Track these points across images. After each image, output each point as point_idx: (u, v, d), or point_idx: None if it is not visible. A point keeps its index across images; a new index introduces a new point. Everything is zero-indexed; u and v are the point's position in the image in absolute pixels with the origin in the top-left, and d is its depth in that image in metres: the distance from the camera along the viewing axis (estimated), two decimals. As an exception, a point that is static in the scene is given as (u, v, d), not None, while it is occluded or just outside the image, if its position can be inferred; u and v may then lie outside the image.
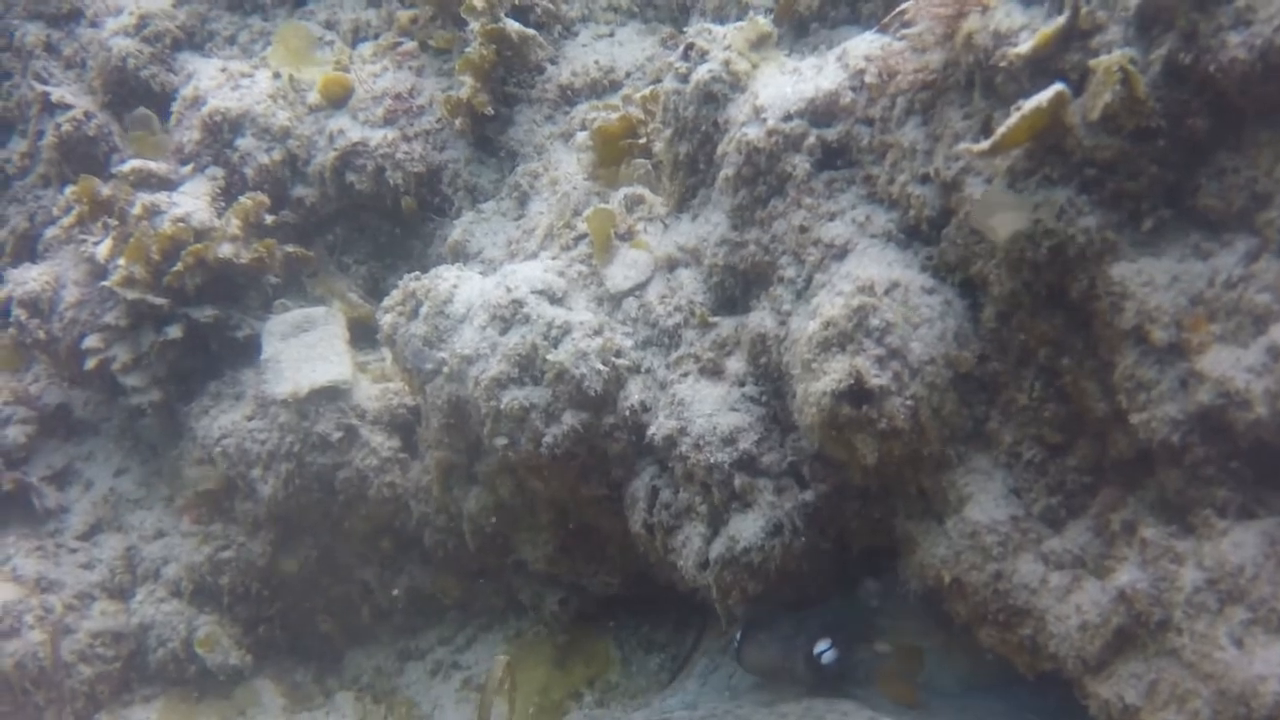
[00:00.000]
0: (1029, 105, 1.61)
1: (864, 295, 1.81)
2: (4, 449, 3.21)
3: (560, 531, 2.55)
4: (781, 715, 2.16)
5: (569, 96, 2.84)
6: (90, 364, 2.95)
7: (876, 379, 1.76)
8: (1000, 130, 1.64)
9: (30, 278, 3.06)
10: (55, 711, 3.00)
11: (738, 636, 2.25)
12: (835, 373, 1.78)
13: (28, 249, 3.43)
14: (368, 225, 3.06)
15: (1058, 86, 1.60)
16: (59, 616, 3.01)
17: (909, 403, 1.77)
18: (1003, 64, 1.70)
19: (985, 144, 1.66)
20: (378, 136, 2.92)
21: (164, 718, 3.08)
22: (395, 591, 3.00)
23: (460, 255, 2.78)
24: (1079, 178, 1.64)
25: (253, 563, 3.00)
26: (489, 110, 2.82)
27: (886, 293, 1.81)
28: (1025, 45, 1.66)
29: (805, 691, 2.18)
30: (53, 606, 3.02)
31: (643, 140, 2.48)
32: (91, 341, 2.96)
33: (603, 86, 2.78)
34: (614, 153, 2.48)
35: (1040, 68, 1.66)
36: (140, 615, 3.09)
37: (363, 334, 2.94)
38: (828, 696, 2.15)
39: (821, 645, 2.15)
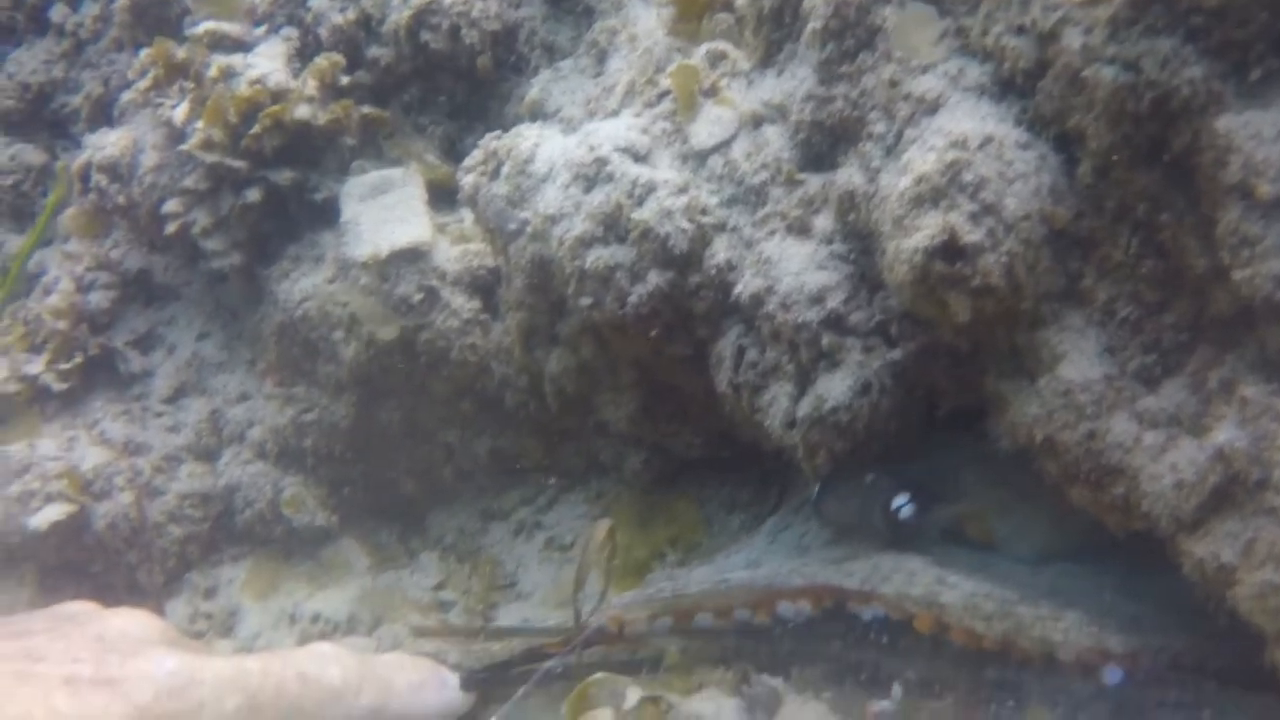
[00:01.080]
0: (1134, -51, 1.56)
1: (957, 150, 1.76)
2: (88, 314, 3.24)
3: (643, 392, 2.54)
4: (848, 573, 2.16)
5: (647, -51, 2.77)
6: (170, 228, 2.95)
7: (970, 235, 1.72)
8: (1104, -24, 1.59)
9: (109, 143, 3.06)
10: (146, 571, 3.06)
11: (816, 489, 2.25)
12: (928, 229, 1.74)
13: (103, 114, 3.43)
14: (443, 85, 3.02)
15: (1165, -71, 1.55)
16: (148, 478, 3.07)
17: (1003, 259, 1.74)
18: (1108, -94, 1.64)
19: (1087, -10, 1.61)
20: (452, -6, 2.88)
21: (253, 576, 3.13)
22: (477, 452, 3.02)
23: (537, 114, 2.75)
24: (1184, 26, 1.57)
25: (336, 425, 3.02)
26: (565, -37, 2.78)
27: (980, 147, 1.77)
28: (1131, -114, 1.60)
29: (878, 548, 2.18)
30: (141, 469, 3.07)
31: (724, -6, 2.43)
32: (171, 206, 2.96)
33: (682, -62, 2.70)
34: (695, 7, 2.42)
35: (1148, -91, 1.61)
36: (227, 477, 3.13)
37: (441, 195, 2.92)
38: (899, 553, 2.16)
39: (900, 500, 2.14)
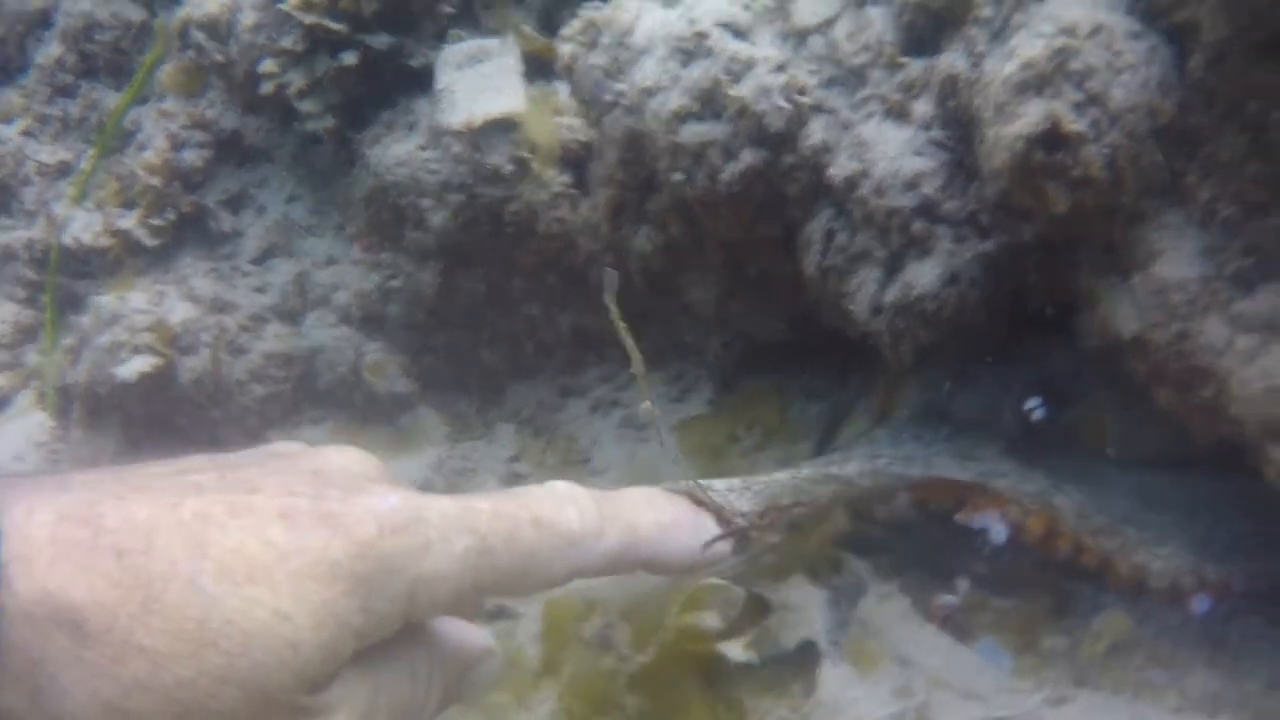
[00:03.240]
0: None
1: (1066, 37, 1.73)
2: (181, 171, 3.27)
3: (729, 273, 2.53)
4: (964, 467, 2.16)
5: None
6: (267, 88, 2.96)
7: (1074, 125, 1.70)
8: None
9: (208, 0, 3.08)
10: (228, 427, 3.12)
11: (947, 387, 2.25)
12: (1031, 116, 1.72)
13: (203, -28, 3.44)
14: (544, -46, 3.00)
15: None
16: (234, 336, 3.11)
17: (1106, 151, 1.71)
18: None
19: (1214, -125, 1.57)
20: None
21: (332, 438, 3.17)
22: (560, 327, 3.04)
23: (639, -14, 2.72)
24: (1311, -87, 1.54)
25: (420, 292, 3.04)
26: None
27: (1090, 35, 1.73)
28: None
29: (1000, 449, 2.18)
30: (228, 326, 3.12)
31: (833, -128, 2.38)
32: (268, 66, 2.96)
33: None
34: (807, -116, 2.38)
35: None
36: (311, 339, 3.17)
37: (536, 67, 2.91)
38: (1018, 459, 2.15)
39: (1032, 402, 2.14)
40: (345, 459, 1.48)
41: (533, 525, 1.35)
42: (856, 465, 2.16)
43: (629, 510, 1.51)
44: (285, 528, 1.16)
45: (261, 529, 1.15)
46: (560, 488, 1.52)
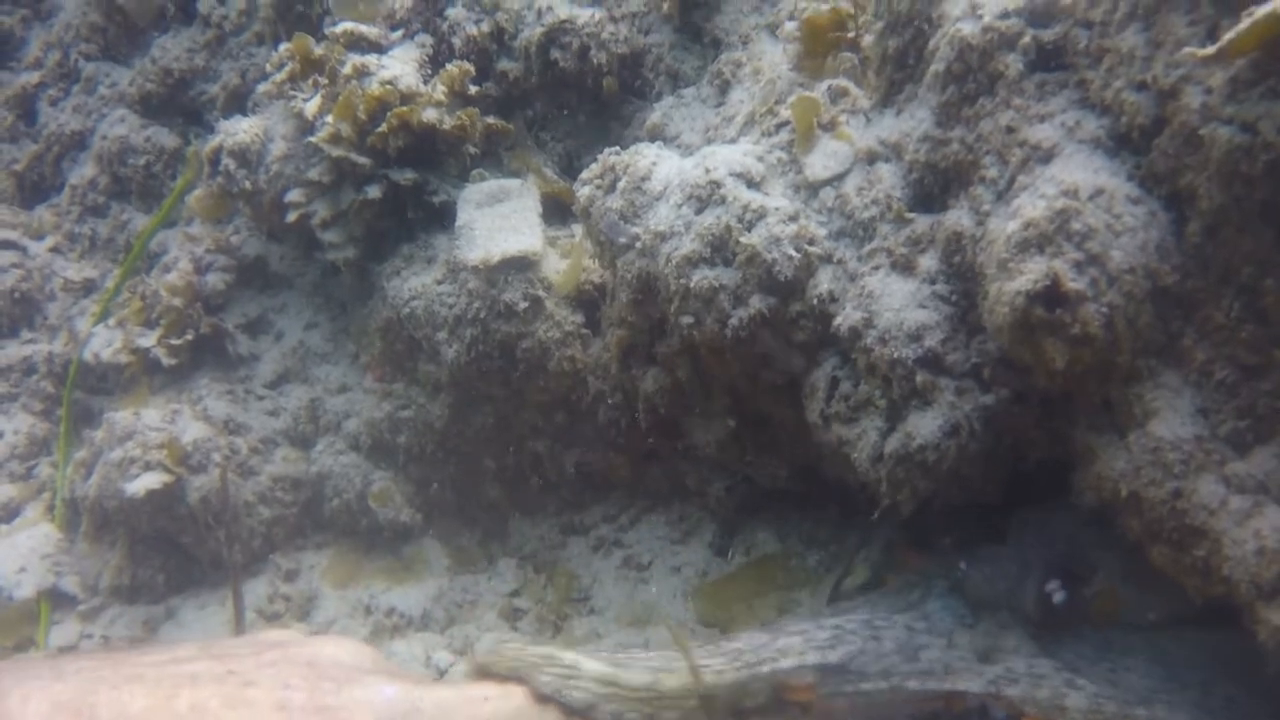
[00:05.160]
0: (1262, 11, 1.56)
1: (1067, 199, 1.78)
2: (203, 294, 3.33)
3: (734, 418, 2.57)
4: (978, 672, 2.16)
5: (779, -12, 2.81)
6: (291, 217, 3.03)
7: (1074, 283, 1.74)
8: (1228, 35, 1.59)
9: (241, 129, 3.15)
10: (231, 548, 3.13)
11: (963, 568, 2.26)
12: (1031, 273, 1.76)
13: (238, 105, 3.53)
14: (568, 103, 3.08)
15: (1294, -6, 1.56)
16: (244, 458, 3.14)
17: (1104, 310, 1.75)
18: (1238, -31, 1.65)
19: (1211, 49, 1.62)
20: (585, 15, 2.93)
21: (334, 564, 3.19)
22: (565, 464, 3.06)
23: (658, 138, 2.79)
24: (1306, 93, 1.59)
25: (430, 424, 3.08)
26: (698, -5, 2.82)
27: (1091, 198, 1.78)
28: (1265, -49, 1.62)
29: (1022, 634, 2.18)
30: (239, 448, 3.15)
31: (851, 35, 2.46)
32: (294, 196, 3.04)
33: (814, -19, 2.74)
34: (821, 45, 2.46)
35: (1278, -25, 1.62)
36: (319, 465, 3.21)
37: (554, 210, 2.98)
38: (1035, 649, 2.17)
39: (1052, 585, 2.15)
40: (339, 650, 1.49)
41: (536, 709, 1.36)
42: (873, 684, 2.17)
43: None
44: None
45: None
46: (552, 675, 1.56)
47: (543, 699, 1.73)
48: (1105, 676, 2.09)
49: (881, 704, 2.15)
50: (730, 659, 2.09)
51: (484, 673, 1.81)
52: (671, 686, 2.01)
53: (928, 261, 2.10)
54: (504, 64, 3.04)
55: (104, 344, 3.38)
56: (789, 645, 2.13)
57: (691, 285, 2.24)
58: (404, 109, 2.88)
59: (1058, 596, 2.15)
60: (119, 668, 1.19)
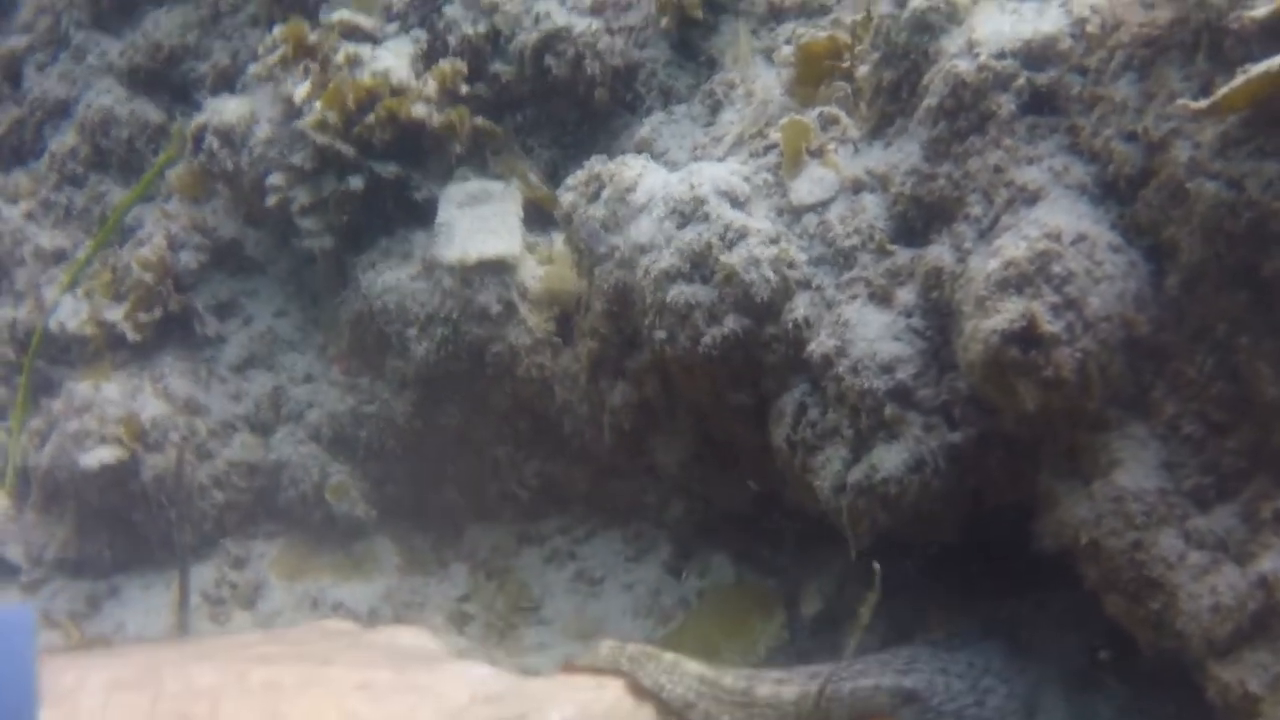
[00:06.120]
0: (1256, 70, 1.57)
1: (1049, 241, 1.78)
2: (175, 272, 3.30)
3: (697, 439, 2.55)
4: None
5: (776, 13, 2.80)
6: (271, 200, 3.00)
7: (1050, 325, 1.73)
8: (1222, 91, 1.60)
9: (227, 109, 3.12)
10: (181, 530, 3.10)
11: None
12: (1008, 312, 1.76)
13: (227, 85, 3.50)
14: (557, 112, 3.06)
15: (1290, 55, 1.56)
16: (203, 439, 3.11)
17: (1078, 355, 1.75)
18: (1234, 26, 1.65)
19: (1204, 103, 1.63)
20: (582, 25, 2.92)
21: (284, 555, 3.16)
22: (525, 473, 3.04)
23: (645, 153, 2.77)
24: (1295, 153, 1.60)
25: (393, 420, 3.06)
26: (698, 13, 2.81)
27: (1073, 243, 1.78)
28: (1262, 9, 1.61)
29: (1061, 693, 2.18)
30: (198, 429, 3.12)
31: (846, 64, 2.45)
32: (276, 180, 3.01)
33: (811, 8, 2.73)
34: (816, 72, 2.46)
35: (1274, 34, 1.61)
36: (278, 453, 3.18)
37: (535, 216, 2.96)
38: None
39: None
40: (417, 639, 1.43)
41: (635, 699, 1.30)
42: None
43: None
44: (366, 697, 1.12)
45: (339, 699, 1.11)
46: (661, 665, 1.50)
47: (640, 693, 1.71)
48: None
49: None
50: (809, 677, 2.08)
51: (573, 669, 1.78)
52: (762, 694, 2.00)
53: (906, 295, 2.10)
54: (497, 66, 3.03)
55: (70, 314, 3.34)
56: (866, 669, 2.11)
57: (668, 300, 2.23)
58: (393, 101, 2.87)
59: (1104, 654, 2.14)
60: (181, 649, 1.15)
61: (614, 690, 1.62)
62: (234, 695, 1.03)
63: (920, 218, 2.12)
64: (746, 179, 2.31)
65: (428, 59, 3.04)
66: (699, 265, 2.23)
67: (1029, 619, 2.25)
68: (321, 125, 2.89)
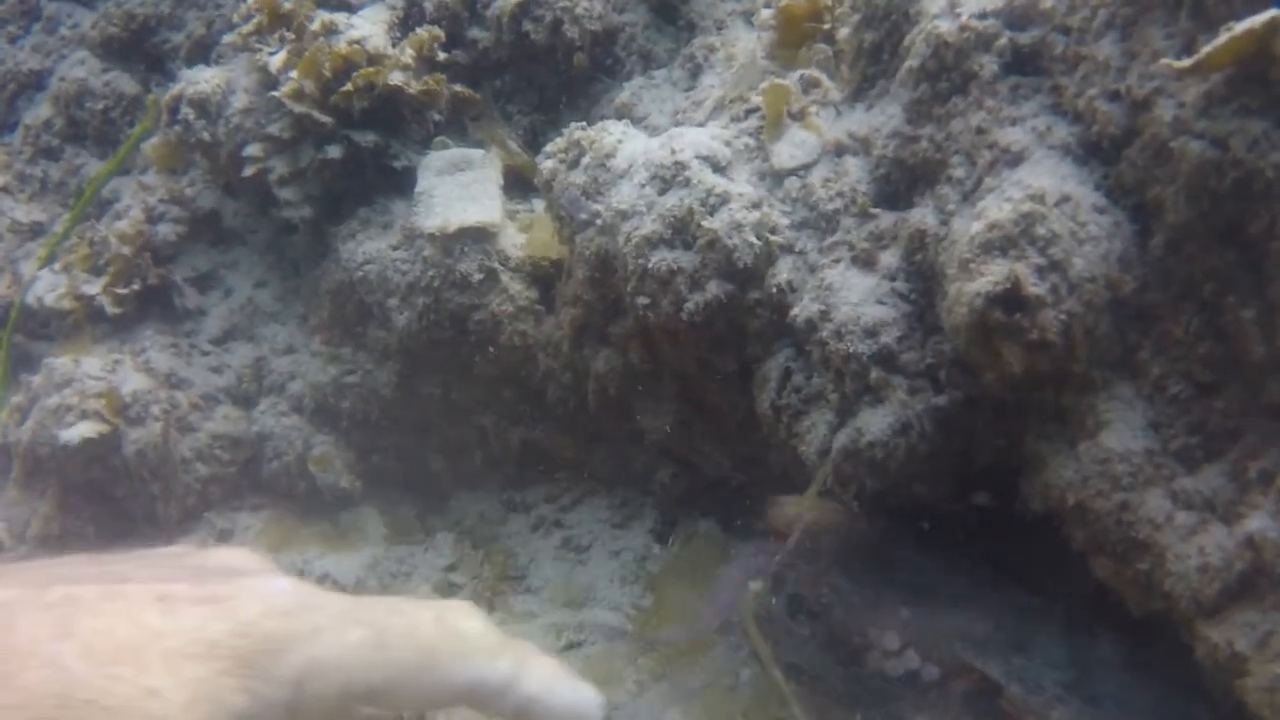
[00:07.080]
0: (1239, 28, 1.55)
1: (1033, 203, 1.77)
2: (153, 244, 3.28)
3: (683, 404, 2.55)
4: None
5: (758, -24, 2.79)
6: (249, 171, 2.98)
7: (1034, 288, 1.72)
8: (1205, 49, 1.58)
9: (203, 79, 3.09)
10: (165, 504, 3.08)
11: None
12: (992, 275, 1.75)
13: (202, 55, 3.47)
14: (536, 77, 3.04)
15: (1273, 12, 1.54)
16: (184, 413, 3.09)
17: (1063, 317, 1.73)
18: (1219, -16, 1.64)
19: (1187, 61, 1.61)
20: (560, -11, 2.90)
21: (269, 527, 3.15)
22: (510, 441, 3.03)
23: (625, 118, 2.75)
24: (1278, 111, 1.59)
25: (376, 391, 3.04)
26: (676, -24, 2.80)
27: (1057, 204, 1.77)
28: (1247, -33, 1.61)
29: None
30: (179, 403, 3.10)
31: (827, 26, 2.43)
32: (253, 150, 2.99)
33: (793, -30, 2.71)
34: (796, 35, 2.44)
35: (1258, -8, 1.61)
36: (261, 425, 3.16)
37: (515, 183, 2.95)
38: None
39: None
40: (230, 556, 1.42)
41: (435, 624, 1.27)
42: None
43: (521, 649, 1.43)
44: (161, 610, 1.12)
45: (134, 612, 1.11)
46: (463, 603, 1.46)
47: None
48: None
49: None
50: None
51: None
52: None
53: (889, 258, 2.08)
54: (475, 33, 3.01)
55: (48, 288, 3.32)
56: None
57: (650, 266, 2.22)
58: (370, 70, 2.84)
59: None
60: None
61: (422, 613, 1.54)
62: (32, 608, 1.06)
63: (903, 180, 2.10)
64: (728, 143, 2.29)
65: (404, 26, 3.02)
66: (681, 231, 2.21)
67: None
68: (298, 94, 2.86)
